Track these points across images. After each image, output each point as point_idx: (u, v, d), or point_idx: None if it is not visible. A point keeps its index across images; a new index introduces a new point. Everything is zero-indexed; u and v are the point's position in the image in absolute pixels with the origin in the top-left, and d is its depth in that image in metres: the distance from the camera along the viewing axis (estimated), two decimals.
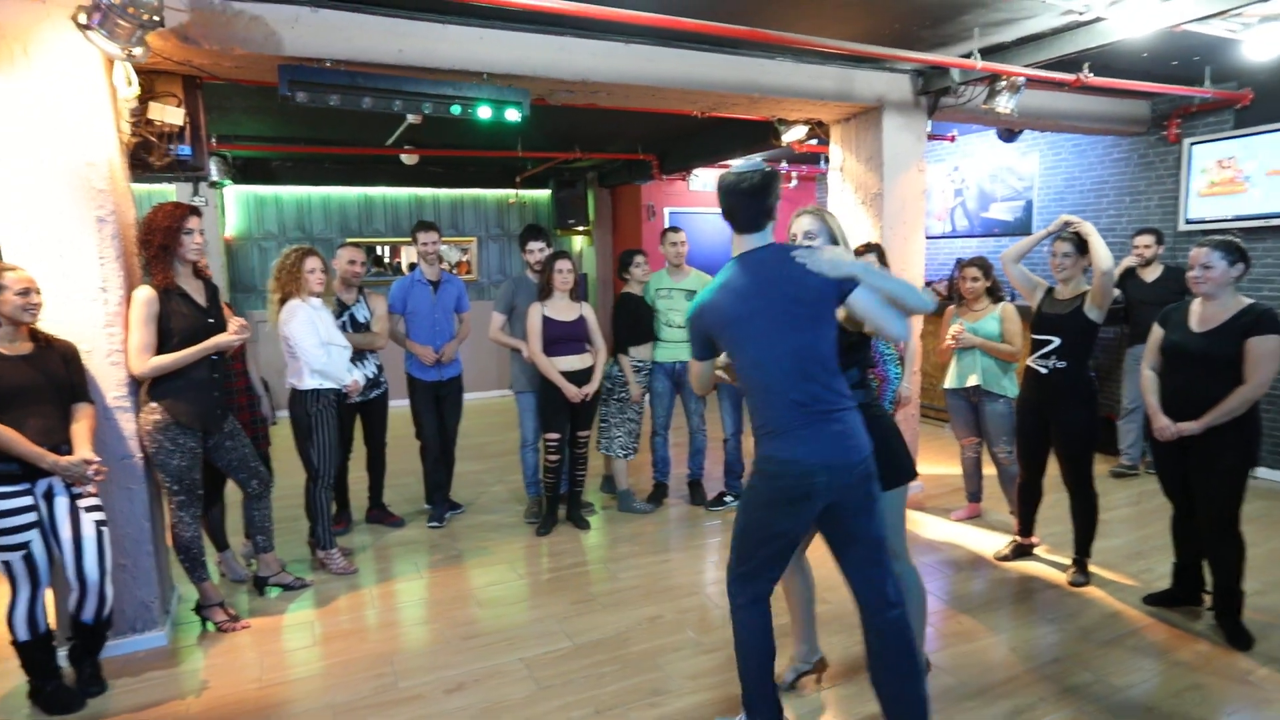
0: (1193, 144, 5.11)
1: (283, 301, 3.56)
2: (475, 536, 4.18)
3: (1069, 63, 3.97)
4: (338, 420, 3.67)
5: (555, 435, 4.07)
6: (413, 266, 4.48)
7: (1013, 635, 2.97)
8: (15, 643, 2.55)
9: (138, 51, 2.54)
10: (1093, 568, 3.46)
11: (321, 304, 3.62)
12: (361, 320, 4.11)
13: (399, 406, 4.36)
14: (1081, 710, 2.47)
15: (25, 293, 2.45)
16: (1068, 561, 3.51)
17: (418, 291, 4.28)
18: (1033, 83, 4.11)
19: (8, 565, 2.47)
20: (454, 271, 8.24)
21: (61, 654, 2.71)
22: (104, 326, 2.81)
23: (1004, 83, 4.00)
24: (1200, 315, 2.84)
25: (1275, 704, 2.49)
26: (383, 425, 4.29)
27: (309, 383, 3.54)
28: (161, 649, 2.98)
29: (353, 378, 3.69)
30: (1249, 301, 2.77)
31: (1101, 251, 3.13)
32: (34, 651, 2.57)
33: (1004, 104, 4.05)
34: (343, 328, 3.97)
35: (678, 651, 2.88)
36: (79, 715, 2.56)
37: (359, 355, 4.05)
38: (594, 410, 4.23)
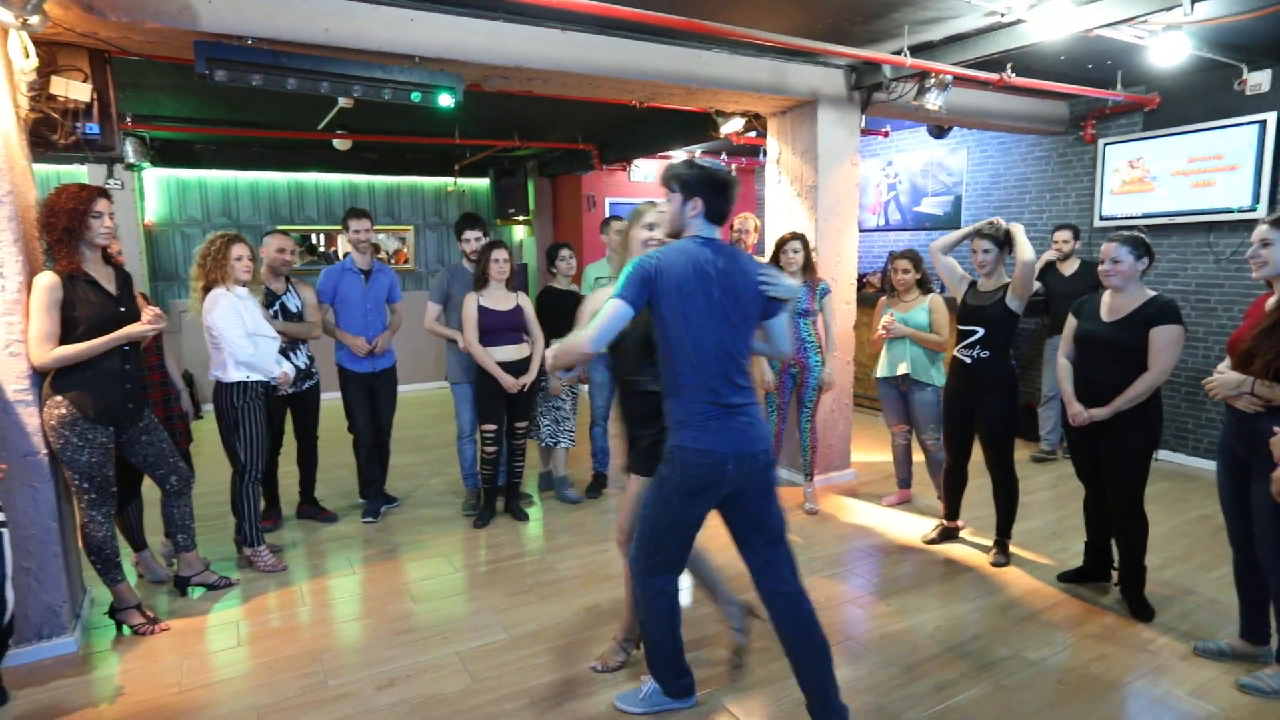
0: (1106, 144, 5.37)
1: (206, 290, 3.41)
2: (411, 530, 4.10)
3: (993, 63, 4.11)
4: (266, 413, 3.54)
5: (492, 426, 4.02)
6: (345, 255, 4.34)
7: (937, 615, 3.08)
8: None
9: (34, 20, 2.38)
10: (1013, 548, 3.63)
11: (248, 293, 3.47)
12: (293, 310, 3.97)
13: (331, 399, 4.24)
14: (999, 683, 2.58)
15: None
16: (990, 543, 3.67)
17: (348, 280, 4.16)
18: (960, 81, 4.24)
19: None
20: (391, 261, 8.04)
21: None
22: (1, 315, 2.63)
23: (933, 80, 4.12)
24: (1110, 306, 2.99)
25: (1172, 670, 2.66)
26: (314, 418, 4.16)
27: (234, 375, 3.40)
28: (71, 655, 2.83)
29: (282, 370, 3.55)
30: (1153, 294, 2.92)
31: (1025, 245, 3.28)
32: None
33: (933, 101, 4.17)
34: (273, 318, 3.83)
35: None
36: None
37: (291, 346, 3.92)
38: (532, 401, 4.20)
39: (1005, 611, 3.10)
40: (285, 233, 4.08)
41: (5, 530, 2.46)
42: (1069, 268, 5.07)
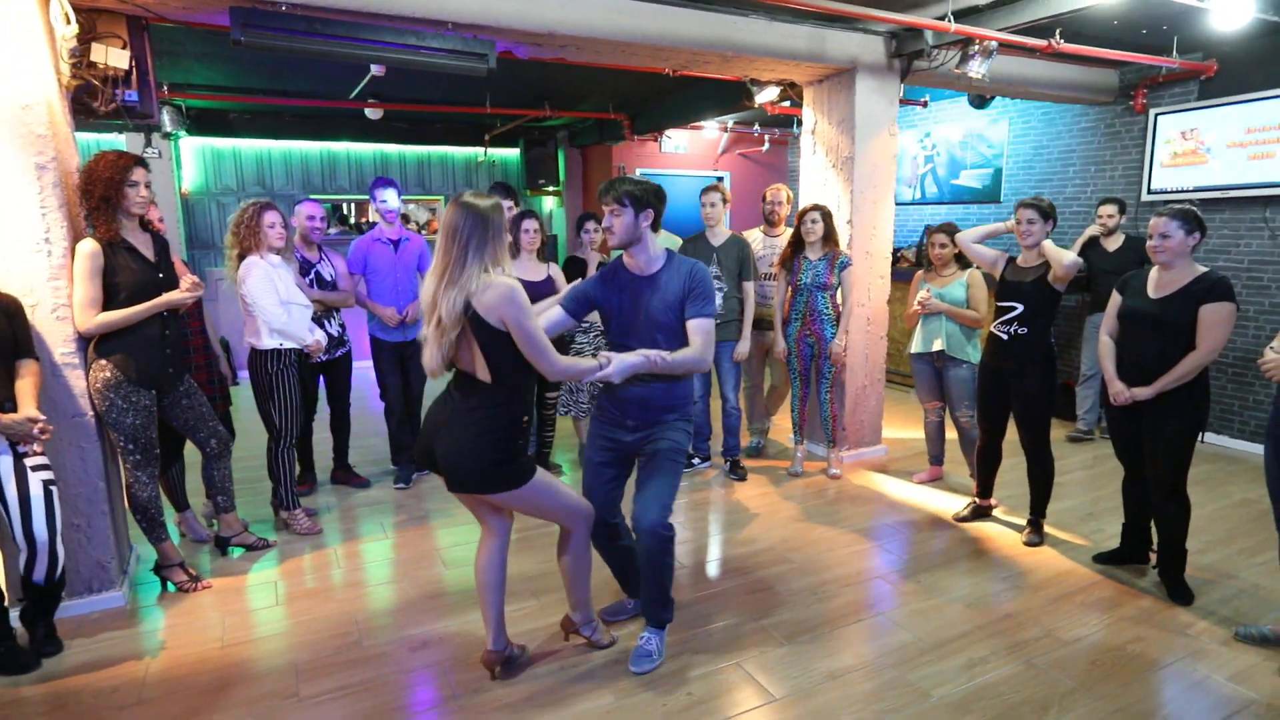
0: (1158, 114, 5.16)
1: (241, 258, 3.45)
2: (442, 497, 4.15)
3: (1041, 28, 3.96)
4: (299, 380, 3.60)
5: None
6: (373, 224, 4.36)
7: (968, 592, 3.06)
8: None
9: None
10: (1047, 528, 3.58)
11: (281, 261, 3.51)
12: (328, 278, 4.02)
13: (364, 366, 4.29)
14: (1031, 663, 2.56)
15: None
16: (1023, 522, 3.62)
17: (378, 251, 4.19)
18: (1005, 48, 4.10)
19: None
20: (422, 231, 8.08)
21: (14, 615, 2.66)
22: (48, 280, 2.69)
23: (977, 47, 3.98)
24: (1157, 282, 2.90)
25: (1210, 655, 2.61)
26: (346, 385, 4.22)
27: (268, 342, 3.45)
28: (120, 609, 2.93)
29: (314, 338, 3.60)
30: (1204, 270, 2.82)
31: (1059, 256, 3.20)
32: None
33: (976, 69, 4.03)
34: (309, 286, 3.88)
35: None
36: (33, 675, 2.51)
37: (325, 314, 3.96)
38: None
39: (1038, 591, 3.06)
40: (316, 200, 4.10)
41: (55, 488, 2.55)
42: (1113, 243, 4.91)
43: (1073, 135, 5.81)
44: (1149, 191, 5.25)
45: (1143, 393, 2.87)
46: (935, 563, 3.34)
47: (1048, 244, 3.28)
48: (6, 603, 2.60)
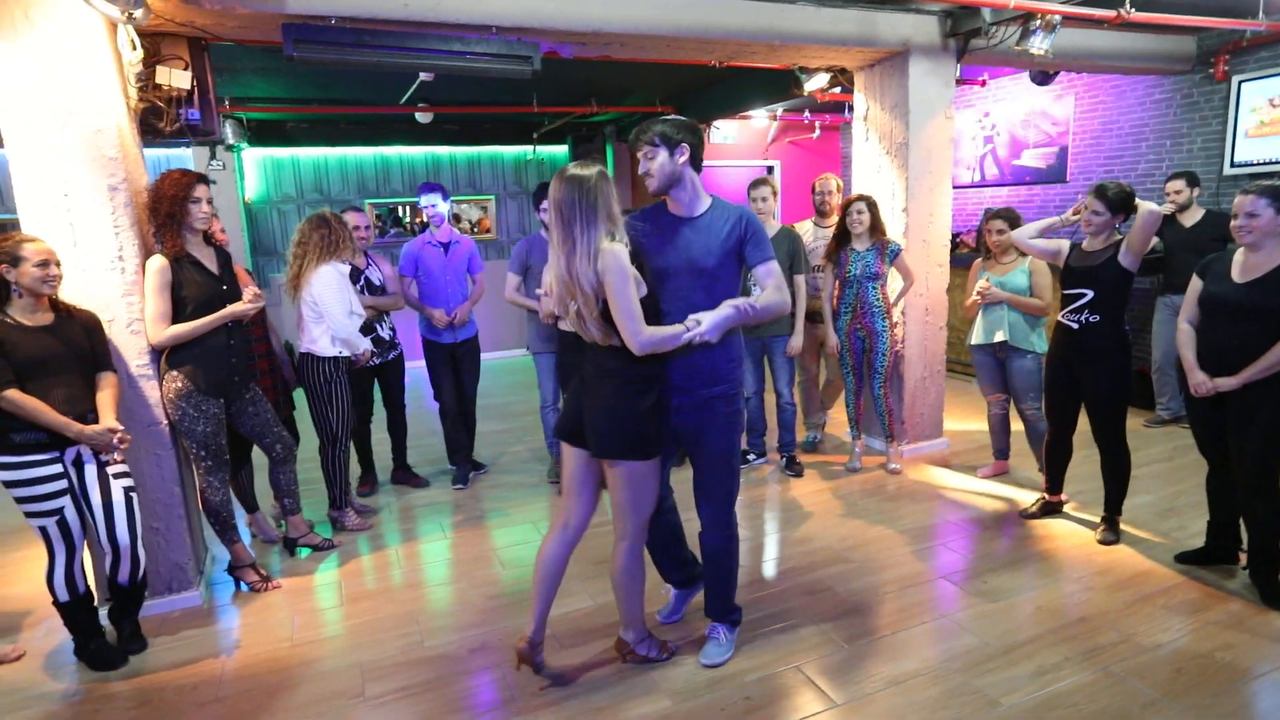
0: (1242, 81, 4.83)
1: (305, 265, 3.51)
2: (498, 497, 4.22)
3: None
4: (351, 385, 3.72)
5: None
6: (424, 226, 4.43)
7: (1038, 594, 2.94)
8: (56, 603, 2.63)
9: (138, 13, 2.49)
10: (1123, 525, 3.41)
11: (347, 270, 3.60)
12: (376, 283, 4.10)
13: (419, 367, 4.37)
14: (1108, 670, 2.44)
15: (44, 264, 2.46)
16: (1097, 519, 3.46)
17: (428, 253, 4.25)
18: (1069, 21, 3.89)
19: (44, 530, 2.54)
20: (473, 231, 8.19)
21: (103, 614, 2.80)
22: (123, 295, 2.82)
23: (1038, 21, 3.79)
24: (1243, 265, 2.71)
25: None
26: (400, 387, 4.31)
27: (329, 350, 3.55)
28: (197, 608, 3.07)
29: (364, 346, 3.69)
30: None
31: (1148, 204, 3.01)
32: (75, 612, 2.66)
33: (1038, 45, 3.85)
34: (360, 292, 3.97)
35: (697, 612, 2.89)
36: (121, 671, 2.65)
37: (377, 318, 4.05)
38: None
39: (1115, 593, 2.92)
40: (360, 209, 4.18)
41: (135, 495, 2.68)
42: (1190, 218, 4.61)
43: (1145, 108, 5.50)
44: (1232, 165, 4.93)
45: (1227, 383, 2.70)
46: (1002, 562, 3.22)
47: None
48: (96, 602, 2.75)
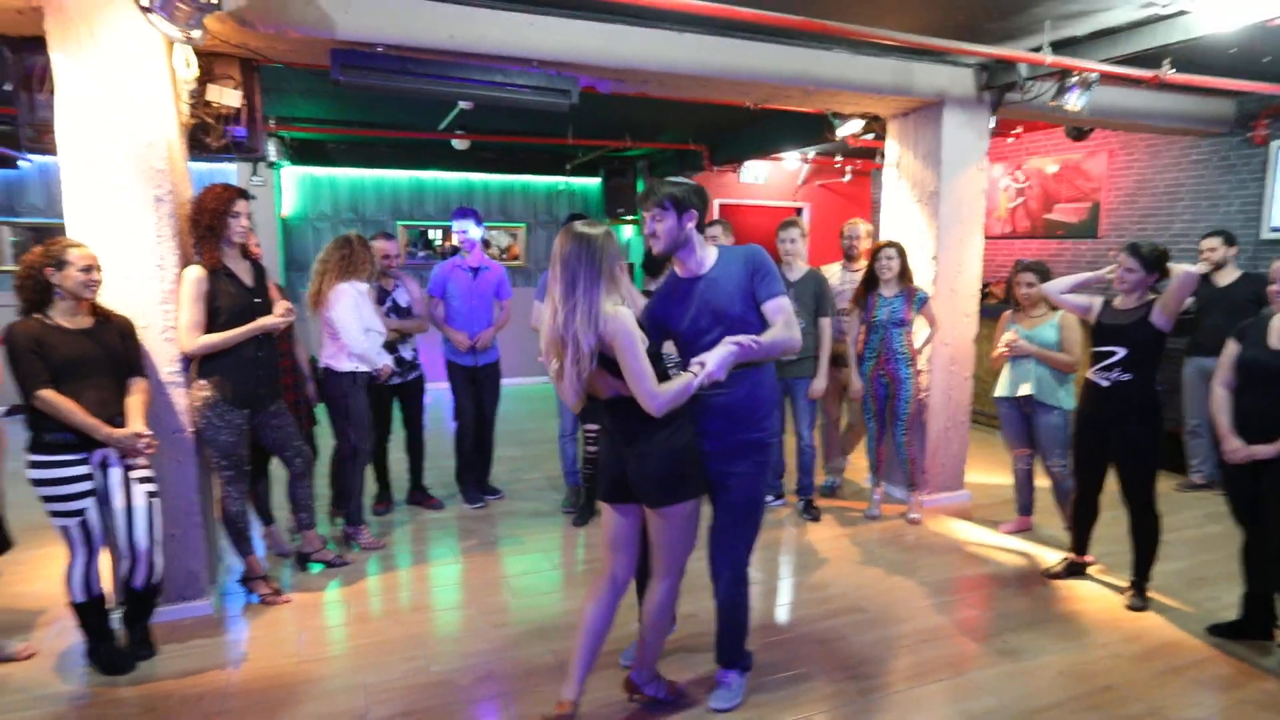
0: None
1: (326, 283, 3.62)
2: (511, 523, 4.20)
3: (1147, 58, 3.75)
4: (369, 400, 3.77)
5: (596, 426, 4.05)
6: (455, 250, 4.50)
7: (1061, 657, 2.84)
8: (72, 603, 2.65)
9: (196, 34, 2.59)
10: (1151, 592, 3.30)
11: (366, 289, 3.67)
12: (403, 305, 4.15)
13: (441, 388, 4.40)
14: None
15: (88, 269, 2.52)
16: (1124, 583, 3.35)
17: (457, 277, 4.31)
18: (1106, 79, 3.90)
19: (65, 530, 2.56)
20: (502, 257, 8.29)
21: (116, 616, 2.81)
22: (159, 303, 2.88)
23: (1075, 79, 3.81)
24: None
25: None
26: (419, 408, 4.33)
27: (346, 365, 3.61)
28: (208, 617, 3.07)
29: (384, 362, 3.74)
30: None
31: (1182, 266, 2.98)
32: (89, 613, 2.67)
33: (1074, 101, 3.85)
34: (386, 315, 4.03)
35: (710, 652, 2.83)
36: (130, 676, 2.65)
37: (401, 339, 4.09)
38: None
39: (1142, 662, 2.81)
40: (392, 236, 4.24)
41: (157, 500, 2.71)
42: (1225, 277, 4.54)
43: (1181, 168, 5.47)
44: (1271, 229, 4.88)
45: (1264, 450, 2.63)
46: (1023, 622, 3.12)
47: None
48: (109, 605, 2.76)
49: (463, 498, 4.44)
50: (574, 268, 2.05)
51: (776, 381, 2.47)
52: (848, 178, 8.24)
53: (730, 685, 2.53)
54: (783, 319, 2.31)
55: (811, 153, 7.43)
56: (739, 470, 2.36)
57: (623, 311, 2.06)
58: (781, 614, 3.21)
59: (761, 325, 2.34)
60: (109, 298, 2.73)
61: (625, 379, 2.08)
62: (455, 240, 4.41)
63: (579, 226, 2.10)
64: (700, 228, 2.38)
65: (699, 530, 2.34)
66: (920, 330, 4.24)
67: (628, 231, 8.95)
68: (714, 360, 2.13)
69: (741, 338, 2.18)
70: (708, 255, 2.40)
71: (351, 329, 3.53)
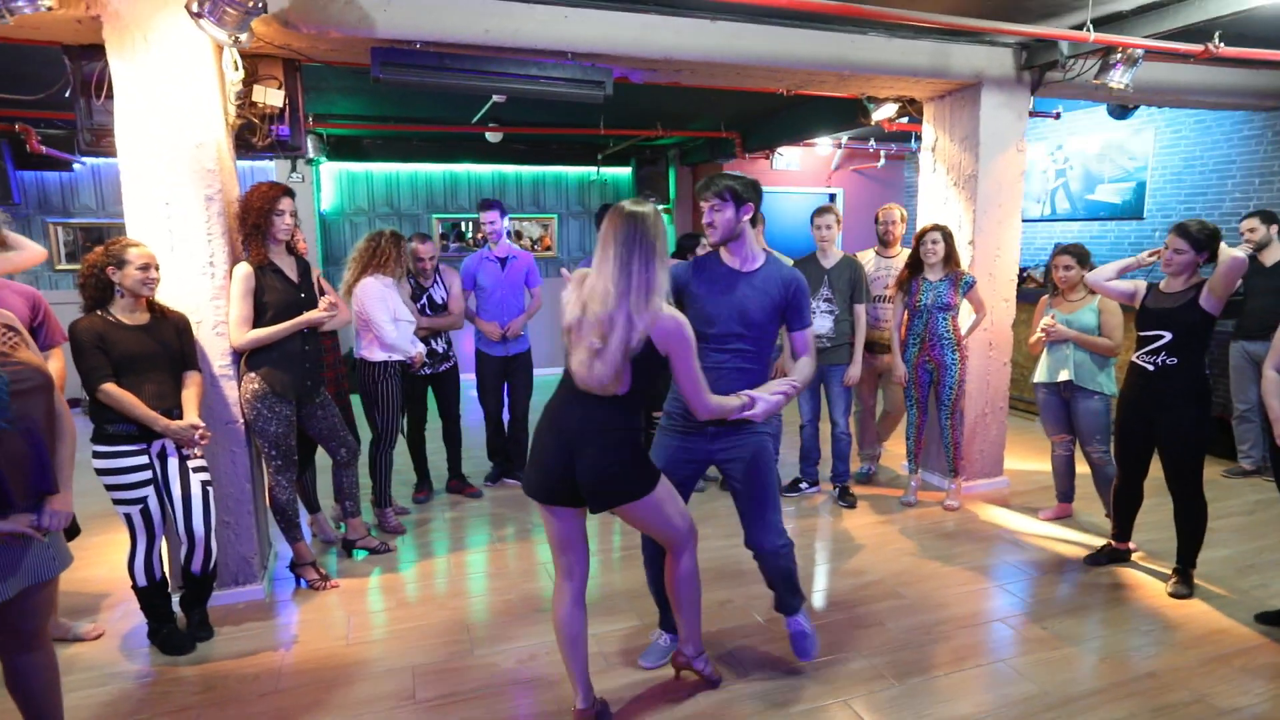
0: None
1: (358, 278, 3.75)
2: None
3: (1196, 31, 3.64)
4: (401, 389, 3.90)
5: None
6: (485, 242, 4.56)
7: (1102, 645, 2.82)
8: (135, 588, 2.78)
9: (243, 37, 2.66)
10: (1197, 579, 3.24)
11: (393, 281, 3.77)
12: (439, 300, 4.23)
13: (470, 379, 4.53)
14: None
15: (145, 268, 2.63)
16: (1167, 570, 3.30)
17: (486, 268, 4.39)
18: (1152, 54, 3.79)
19: (128, 518, 2.69)
20: (534, 248, 8.37)
21: (175, 600, 2.94)
22: (211, 299, 2.99)
23: (1119, 55, 3.71)
24: None
25: None
26: (455, 398, 4.40)
27: (378, 355, 3.75)
28: (260, 602, 3.19)
29: (416, 350, 3.86)
30: None
31: (1232, 250, 2.91)
32: (151, 597, 2.80)
33: (1118, 78, 3.76)
34: (422, 310, 4.12)
35: (746, 638, 2.88)
36: (189, 657, 2.78)
37: (434, 333, 4.18)
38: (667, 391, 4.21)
39: (1187, 650, 2.78)
40: (429, 237, 4.29)
41: (211, 489, 2.82)
42: (1270, 257, 4.40)
43: (1232, 144, 5.30)
44: None
45: None
46: (1064, 608, 3.10)
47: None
48: (170, 590, 2.89)
49: (486, 476, 4.64)
50: (628, 247, 2.01)
51: (767, 372, 2.53)
52: (882, 163, 8.13)
53: (808, 631, 2.68)
54: (810, 354, 2.45)
55: (845, 138, 7.35)
56: (744, 456, 2.45)
57: (680, 316, 2.06)
58: (818, 600, 3.23)
59: (773, 338, 2.47)
60: (164, 294, 2.84)
61: (676, 381, 2.11)
62: (485, 231, 4.46)
63: (629, 205, 2.08)
64: (754, 222, 2.44)
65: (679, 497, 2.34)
66: (965, 317, 4.17)
67: None
68: (763, 403, 2.24)
69: (784, 385, 2.32)
70: (756, 255, 2.47)
71: (380, 320, 3.66)
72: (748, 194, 2.39)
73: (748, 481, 2.47)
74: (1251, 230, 4.40)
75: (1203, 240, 2.99)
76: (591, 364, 2.04)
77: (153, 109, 2.81)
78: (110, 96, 2.81)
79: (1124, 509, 3.43)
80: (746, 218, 2.40)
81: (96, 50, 2.87)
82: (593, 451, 2.09)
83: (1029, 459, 5.05)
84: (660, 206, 8.25)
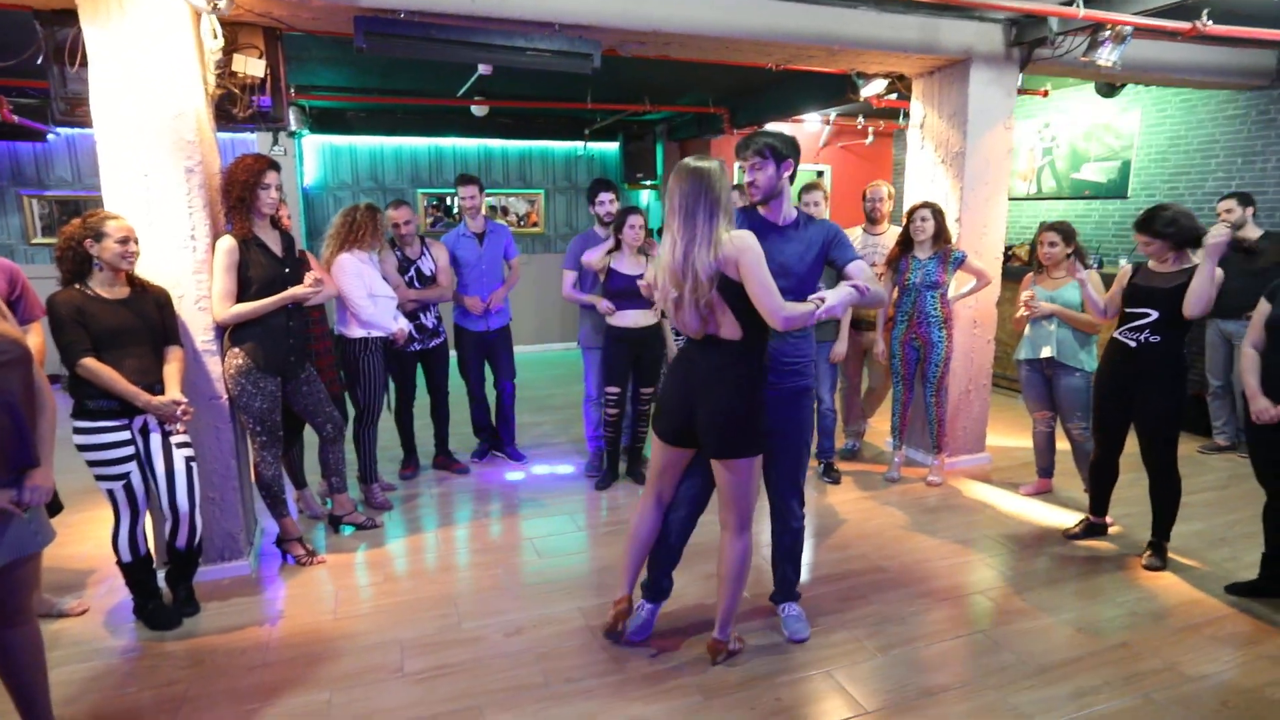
0: None
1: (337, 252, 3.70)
2: (536, 487, 4.28)
3: (1184, 9, 3.64)
4: (384, 365, 3.87)
5: (615, 389, 4.10)
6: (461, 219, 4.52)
7: (1078, 615, 2.89)
8: (120, 563, 2.77)
9: (222, 3, 2.60)
10: (1171, 552, 3.32)
11: (369, 256, 3.72)
12: (427, 273, 4.19)
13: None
14: (1149, 697, 2.39)
15: (125, 241, 2.58)
16: (1143, 544, 3.38)
17: (464, 245, 4.37)
18: (1140, 32, 3.79)
19: (111, 494, 2.67)
20: (521, 224, 8.30)
21: (160, 576, 2.94)
22: (193, 273, 2.95)
23: (1108, 32, 3.71)
24: None
25: None
26: (444, 374, 4.39)
27: (357, 332, 3.72)
28: (246, 577, 3.19)
29: (399, 325, 3.81)
30: None
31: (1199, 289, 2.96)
32: (136, 572, 2.79)
33: (1106, 56, 3.76)
34: (410, 283, 4.08)
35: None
36: (176, 632, 2.78)
37: (422, 307, 4.14)
38: (659, 367, 4.23)
39: (1159, 620, 2.85)
40: (406, 202, 4.16)
41: (195, 464, 2.80)
42: (1249, 237, 4.45)
43: (1217, 124, 5.33)
44: None
45: None
46: (1041, 581, 3.17)
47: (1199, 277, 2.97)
48: (155, 565, 2.88)
49: (473, 452, 4.63)
50: (694, 201, 2.14)
51: (813, 336, 2.64)
52: (870, 139, 8.11)
53: (801, 615, 2.77)
54: (867, 274, 2.44)
55: (833, 114, 7.31)
56: (794, 416, 2.56)
57: (745, 232, 2.16)
58: (803, 572, 3.26)
59: (814, 286, 2.47)
60: (145, 268, 2.79)
61: (751, 294, 2.15)
62: (464, 206, 4.38)
63: (693, 162, 2.19)
64: (792, 179, 2.49)
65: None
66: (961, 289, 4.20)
67: (645, 196, 8.90)
68: (834, 297, 2.26)
69: (857, 281, 2.32)
70: (791, 209, 2.53)
71: (355, 296, 3.62)
72: (788, 151, 2.44)
73: (781, 451, 2.59)
74: (1228, 211, 4.45)
75: (1179, 235, 3.04)
76: (679, 313, 2.21)
77: (129, 77, 2.74)
78: (85, 64, 2.74)
79: (1101, 483, 3.49)
80: (787, 174, 2.45)
81: (69, 15, 2.78)
82: (717, 397, 2.27)
83: (1011, 435, 5.12)
84: (648, 183, 8.22)
